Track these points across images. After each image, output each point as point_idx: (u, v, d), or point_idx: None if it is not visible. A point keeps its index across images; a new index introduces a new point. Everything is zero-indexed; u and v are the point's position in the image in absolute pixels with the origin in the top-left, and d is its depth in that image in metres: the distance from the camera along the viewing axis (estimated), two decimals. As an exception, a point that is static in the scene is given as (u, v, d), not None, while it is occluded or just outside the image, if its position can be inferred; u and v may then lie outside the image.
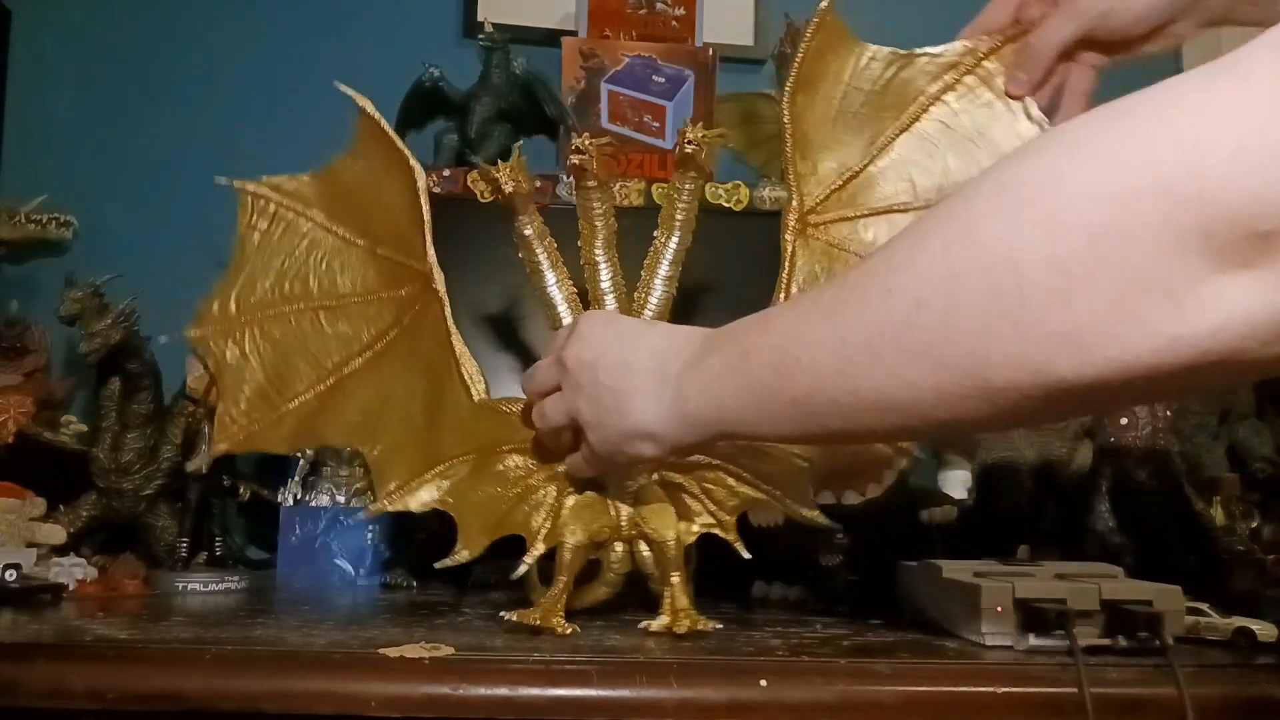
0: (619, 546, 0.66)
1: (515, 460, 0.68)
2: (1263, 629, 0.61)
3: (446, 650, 0.52)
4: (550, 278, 0.70)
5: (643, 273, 0.70)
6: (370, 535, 0.86)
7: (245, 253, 0.74)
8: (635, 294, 0.70)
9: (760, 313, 0.51)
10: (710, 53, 1.12)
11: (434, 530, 0.81)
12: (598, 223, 0.69)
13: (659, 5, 1.15)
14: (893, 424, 0.42)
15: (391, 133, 0.73)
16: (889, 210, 0.74)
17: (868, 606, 0.73)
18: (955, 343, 0.36)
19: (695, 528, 0.67)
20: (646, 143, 1.07)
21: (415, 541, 0.84)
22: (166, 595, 0.77)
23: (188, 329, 0.72)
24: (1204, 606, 0.64)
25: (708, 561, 0.69)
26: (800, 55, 0.72)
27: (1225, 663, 0.58)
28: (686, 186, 0.69)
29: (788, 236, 0.73)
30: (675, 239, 0.69)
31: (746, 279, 0.76)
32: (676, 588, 0.62)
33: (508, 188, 0.67)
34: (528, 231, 0.70)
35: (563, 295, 0.70)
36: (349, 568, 0.86)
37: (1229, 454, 0.84)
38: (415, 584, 0.85)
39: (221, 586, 0.79)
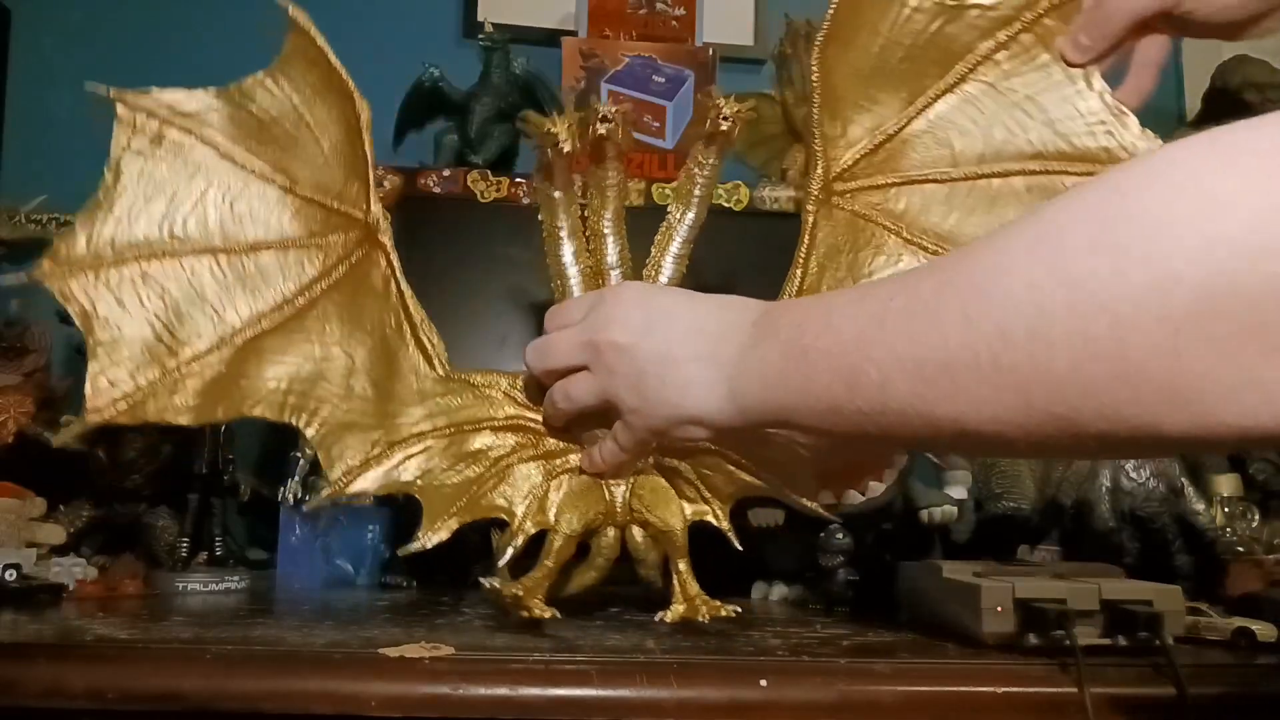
0: (610, 531, 0.64)
1: (492, 439, 0.64)
2: (1262, 629, 0.61)
3: (446, 650, 0.52)
4: (568, 248, 0.66)
5: (653, 249, 0.66)
6: (370, 535, 0.86)
7: (122, 181, 0.61)
8: (645, 271, 0.67)
9: (816, 301, 0.48)
10: (710, 53, 1.12)
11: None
12: (610, 193, 0.66)
13: (659, 5, 1.15)
14: (966, 446, 0.40)
15: (329, 51, 0.63)
16: (925, 180, 0.68)
17: (868, 607, 0.73)
18: (1045, 385, 0.33)
19: (688, 512, 0.65)
20: (647, 142, 1.07)
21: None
22: (166, 595, 0.77)
23: (37, 268, 0.59)
24: (1204, 606, 0.64)
25: (708, 561, 0.69)
26: (834, 3, 0.65)
27: (1225, 663, 0.58)
28: (710, 161, 0.66)
29: (810, 206, 0.68)
30: (691, 214, 0.66)
31: (747, 279, 0.75)
32: (685, 574, 0.62)
33: (566, 146, 0.63)
34: (557, 195, 0.66)
35: (578, 269, 0.66)
36: (349, 567, 0.85)
37: (1229, 454, 0.83)
38: (415, 584, 0.85)
39: (221, 586, 0.79)
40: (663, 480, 0.65)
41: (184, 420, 0.60)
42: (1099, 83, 0.64)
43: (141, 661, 0.50)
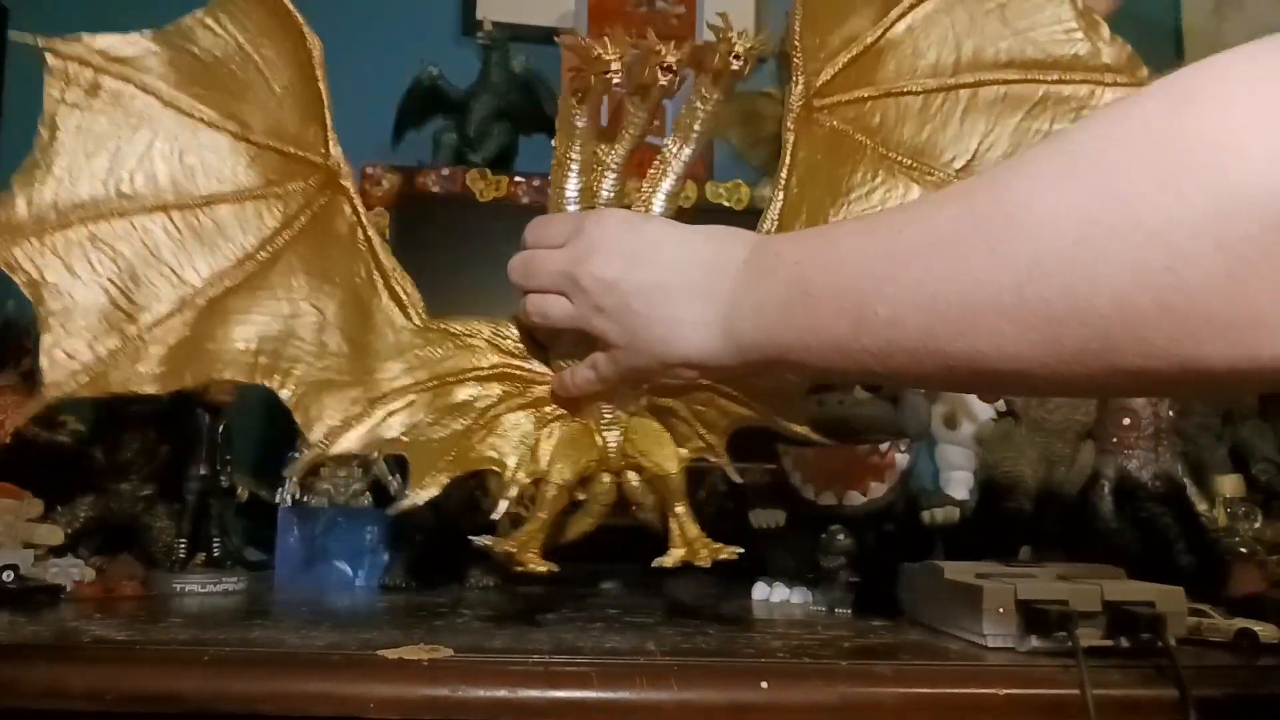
0: (605, 478, 0.62)
1: (478, 389, 0.62)
2: (1265, 630, 0.61)
3: (445, 652, 0.52)
4: (574, 183, 0.62)
5: (644, 183, 0.62)
6: (369, 536, 0.86)
7: (59, 138, 0.57)
8: (634, 206, 0.64)
9: (819, 233, 0.45)
10: (710, 51, 1.11)
11: (432, 530, 0.82)
12: (631, 132, 0.62)
13: (659, 3, 1.15)
14: (979, 385, 0.37)
15: None
16: (900, 93, 0.66)
17: (869, 608, 0.73)
18: (1081, 320, 0.30)
19: (686, 452, 0.64)
20: (647, 141, 1.07)
21: (414, 543, 0.84)
22: (164, 596, 0.76)
23: None
24: (1206, 607, 0.64)
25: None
26: None
27: (1227, 664, 0.57)
28: (715, 97, 0.62)
29: (789, 125, 0.66)
30: (689, 150, 0.62)
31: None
32: (684, 518, 0.60)
33: (616, 79, 0.58)
34: (580, 124, 0.61)
35: (578, 208, 0.62)
36: (347, 569, 0.85)
37: (1232, 455, 0.83)
38: (414, 585, 0.85)
39: (219, 588, 0.79)
40: (656, 423, 0.62)
41: (151, 389, 0.57)
42: None
43: (140, 663, 0.50)
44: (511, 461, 0.61)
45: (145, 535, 0.84)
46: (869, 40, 0.66)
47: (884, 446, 0.74)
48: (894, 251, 0.38)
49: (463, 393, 0.62)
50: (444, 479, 0.59)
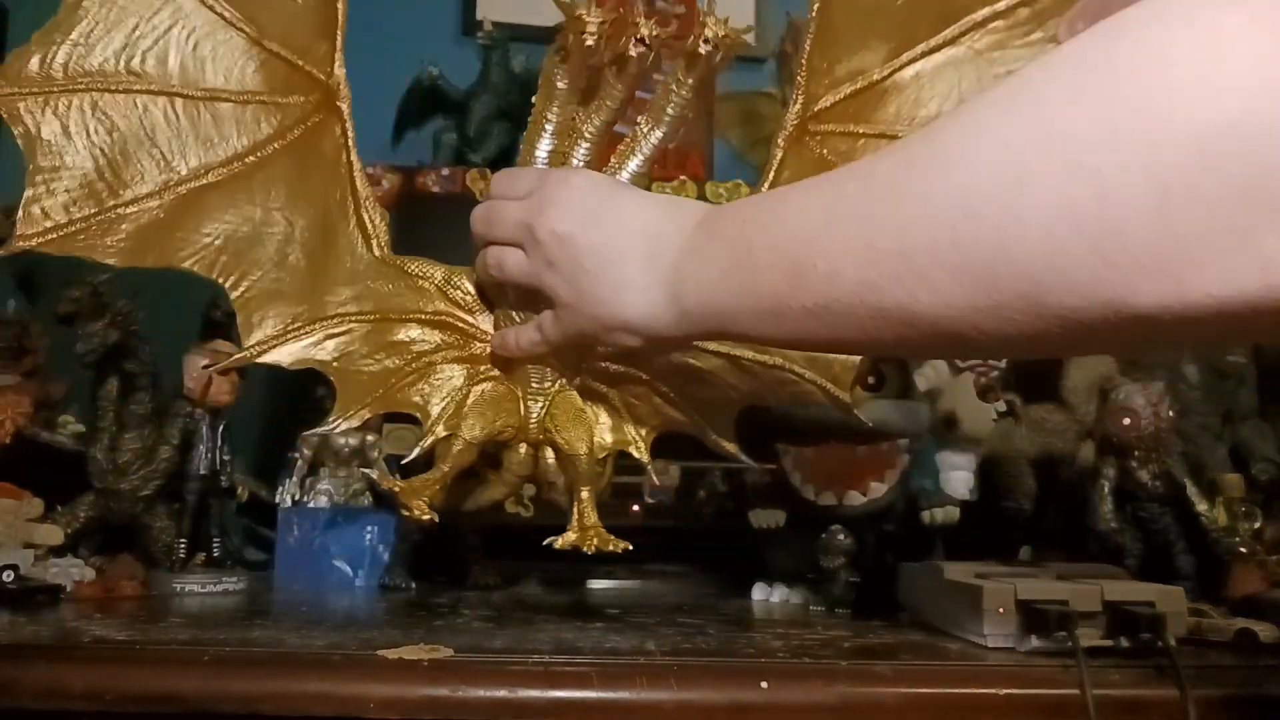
0: (522, 448, 0.62)
1: (417, 332, 0.62)
2: (1265, 630, 0.61)
3: (445, 652, 0.52)
4: (545, 145, 0.62)
5: (613, 158, 0.62)
6: (369, 536, 0.86)
7: (85, 5, 0.59)
8: None
9: (766, 195, 0.44)
10: (710, 51, 1.11)
11: (429, 530, 0.81)
12: (608, 105, 0.61)
13: (659, 3, 1.15)
14: (918, 342, 0.36)
15: None
16: (894, 136, 0.66)
17: (869, 608, 0.73)
18: (1011, 263, 0.30)
19: (609, 441, 0.64)
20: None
21: (413, 543, 0.84)
22: (164, 596, 0.76)
23: None
24: (1206, 607, 0.64)
25: (708, 561, 0.69)
26: None
27: (1228, 664, 0.57)
28: (689, 82, 0.61)
29: (780, 142, 0.66)
30: (659, 133, 0.62)
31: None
32: (586, 503, 0.59)
33: (589, 41, 0.58)
34: (561, 85, 0.61)
35: (550, 165, 0.62)
36: (347, 569, 0.85)
37: (1232, 455, 0.83)
38: (414, 585, 0.85)
39: (219, 587, 0.79)
40: (579, 400, 0.62)
41: (111, 260, 0.59)
42: None
43: (140, 663, 0.50)
44: (434, 411, 0.61)
45: (145, 535, 0.84)
46: (875, 77, 0.66)
47: (884, 446, 0.74)
48: (833, 204, 0.37)
49: (402, 332, 0.62)
50: (366, 414, 0.60)
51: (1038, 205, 0.29)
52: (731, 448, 0.65)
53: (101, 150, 0.59)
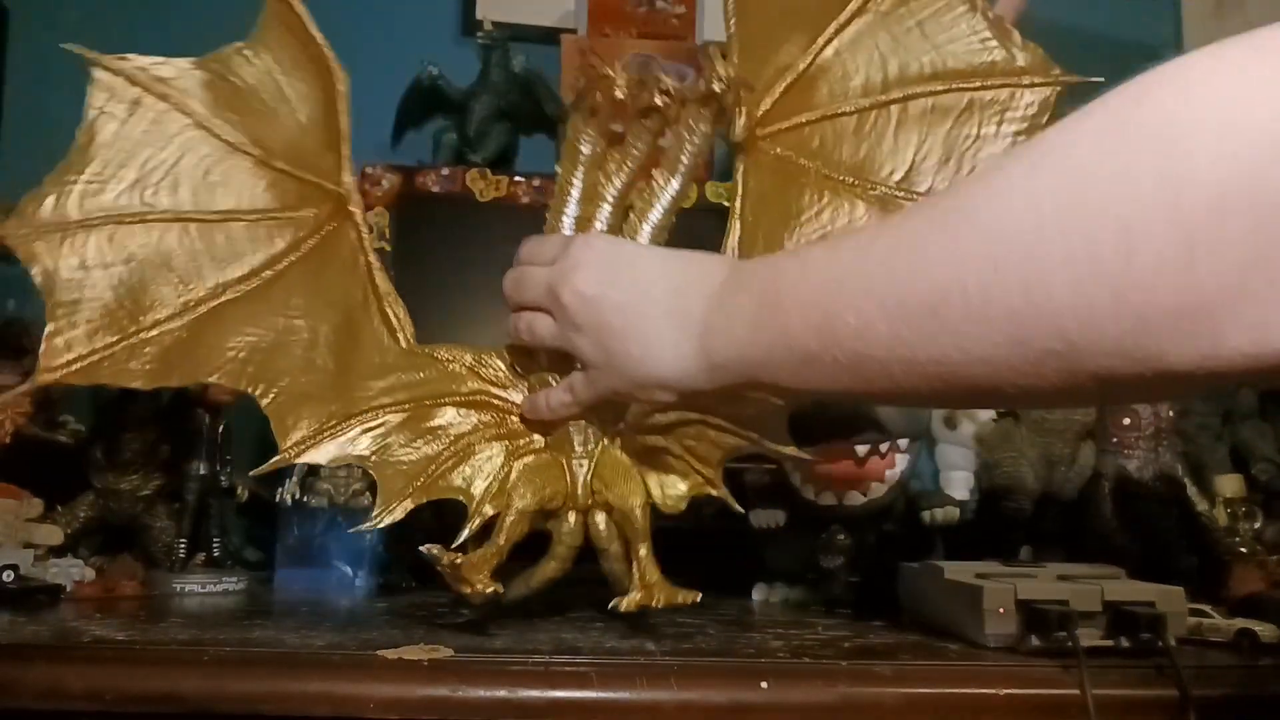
0: (572, 516, 0.61)
1: (454, 415, 0.62)
2: (1265, 630, 0.61)
3: (445, 652, 0.52)
4: (572, 208, 0.62)
5: (632, 214, 0.62)
6: (369, 536, 0.86)
7: (95, 144, 0.61)
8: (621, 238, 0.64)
9: (791, 253, 0.45)
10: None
11: (431, 530, 0.81)
12: (629, 164, 0.62)
13: (659, 3, 1.15)
14: (953, 395, 0.36)
15: (308, 20, 0.62)
16: (835, 115, 0.69)
17: (869, 608, 0.73)
18: (1041, 318, 0.30)
19: (684, 488, 0.64)
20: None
21: (413, 543, 0.84)
22: (164, 596, 0.76)
23: (3, 225, 0.59)
24: (1206, 608, 0.64)
25: (708, 561, 0.69)
26: None
27: (1228, 664, 0.57)
28: (701, 128, 0.61)
29: (737, 156, 0.68)
30: (676, 183, 0.62)
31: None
32: (645, 560, 0.58)
33: (619, 94, 0.59)
34: (585, 150, 0.62)
35: (577, 231, 0.63)
36: (348, 569, 0.85)
37: (1232, 455, 0.83)
38: (414, 585, 0.85)
39: (219, 587, 0.79)
40: (624, 457, 0.62)
41: (138, 384, 0.60)
42: (981, 2, 0.67)
43: (139, 663, 0.50)
44: (478, 492, 0.61)
45: (145, 535, 0.84)
46: (801, 67, 0.69)
47: (884, 446, 0.74)
48: (862, 261, 0.38)
49: (439, 417, 0.63)
50: (409, 504, 0.60)
51: (1065, 260, 0.29)
52: (791, 450, 0.66)
53: (120, 280, 0.60)
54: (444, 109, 1.07)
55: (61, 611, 0.66)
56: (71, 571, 0.73)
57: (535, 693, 0.48)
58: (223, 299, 0.62)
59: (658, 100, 0.59)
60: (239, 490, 0.89)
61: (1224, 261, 0.26)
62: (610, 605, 0.56)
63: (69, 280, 0.59)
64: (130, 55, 0.62)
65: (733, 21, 0.67)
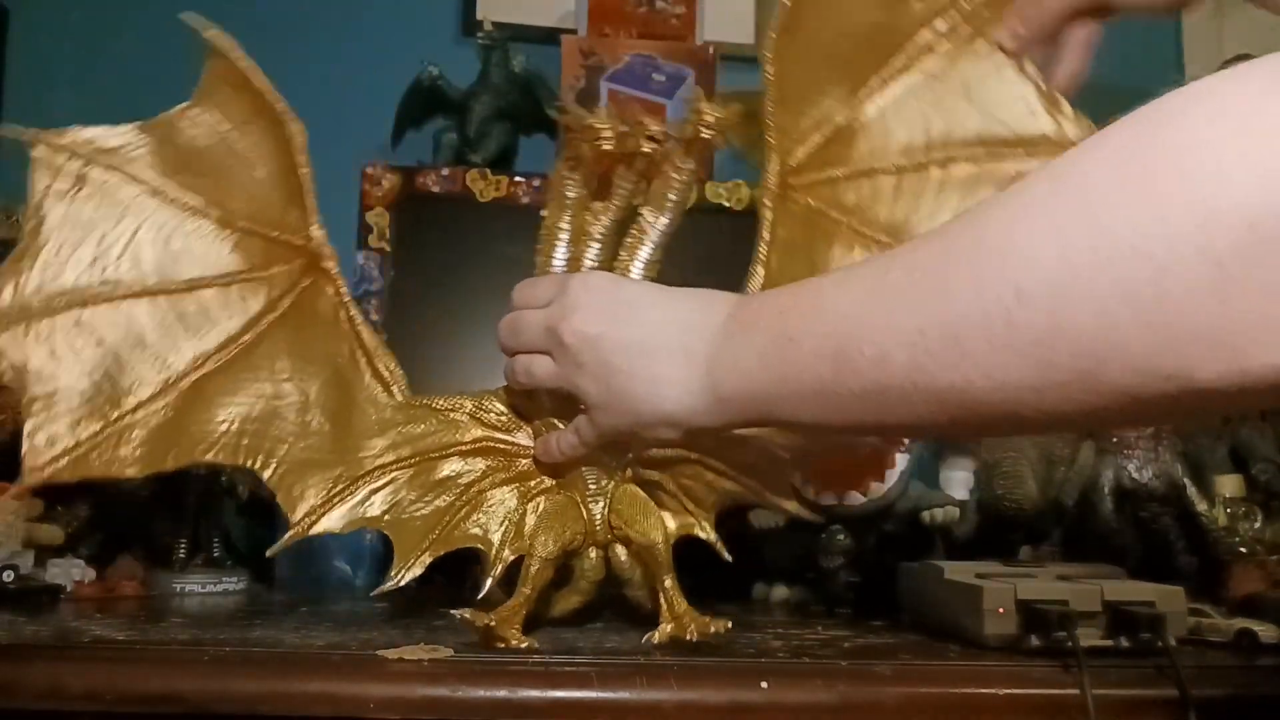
0: (593, 552, 0.61)
1: (461, 464, 0.62)
2: (1265, 630, 0.61)
3: (445, 652, 0.52)
4: (562, 250, 0.62)
5: (622, 252, 0.62)
6: (369, 536, 0.86)
7: (46, 227, 0.57)
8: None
9: (801, 285, 0.44)
10: (711, 51, 1.11)
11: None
12: (617, 203, 0.62)
13: (659, 3, 1.15)
14: (973, 423, 0.36)
15: (255, 75, 0.60)
16: (873, 172, 0.68)
17: (869, 608, 0.73)
18: (1066, 342, 0.30)
19: (672, 527, 0.64)
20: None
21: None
22: (164, 596, 0.76)
23: None
24: (1206, 608, 0.64)
25: (707, 562, 0.69)
26: None
27: (1228, 664, 0.57)
28: (688, 166, 0.62)
29: (767, 201, 0.67)
30: (664, 220, 0.62)
31: (742, 280, 0.75)
32: (672, 591, 0.59)
33: (607, 145, 0.59)
34: (570, 195, 0.62)
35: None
36: (348, 569, 0.85)
37: (1231, 455, 0.83)
38: (414, 585, 0.85)
39: (219, 588, 0.79)
40: (641, 492, 0.62)
41: (132, 472, 0.58)
42: (1033, 70, 0.65)
43: (139, 663, 0.50)
44: (496, 538, 0.61)
45: (145, 535, 0.84)
46: (839, 120, 0.68)
47: (884, 446, 0.74)
48: (877, 290, 0.38)
49: (446, 468, 0.62)
50: (428, 559, 0.60)
51: (1091, 288, 0.29)
52: (792, 506, 0.66)
53: (94, 365, 0.57)
54: (444, 109, 1.07)
55: (61, 611, 0.67)
56: (72, 571, 0.73)
57: (535, 693, 0.48)
58: (204, 370, 0.60)
59: (645, 147, 0.60)
60: (239, 490, 0.89)
61: (1255, 285, 0.26)
62: (644, 639, 0.56)
63: (40, 372, 0.56)
64: (70, 128, 0.59)
65: (770, 69, 0.66)
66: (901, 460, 0.74)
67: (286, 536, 0.60)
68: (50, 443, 0.56)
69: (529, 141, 1.09)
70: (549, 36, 1.19)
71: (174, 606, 0.71)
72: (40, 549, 0.74)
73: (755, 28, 1.28)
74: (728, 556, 0.66)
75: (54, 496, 0.80)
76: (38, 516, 0.76)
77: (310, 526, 0.60)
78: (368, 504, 0.60)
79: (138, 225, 0.59)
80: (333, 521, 0.60)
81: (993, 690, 0.51)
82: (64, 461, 0.56)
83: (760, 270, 0.67)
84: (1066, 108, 0.65)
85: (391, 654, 0.50)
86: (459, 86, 1.06)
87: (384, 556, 0.85)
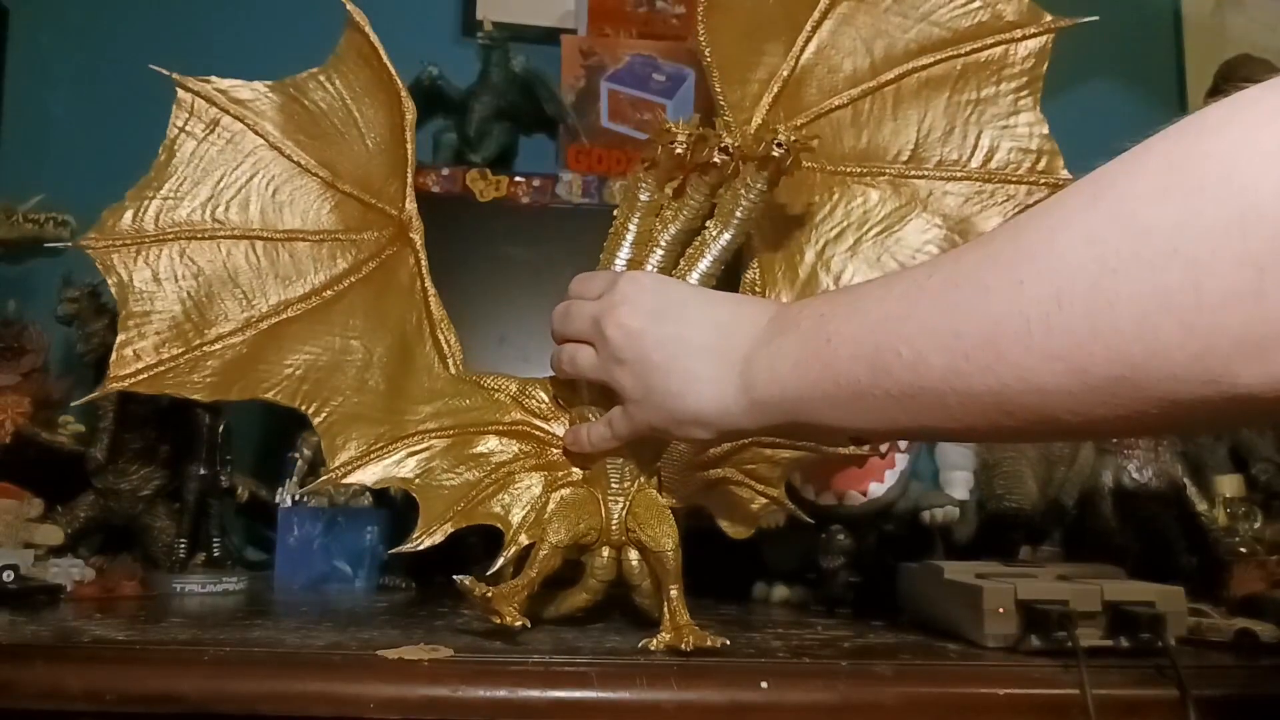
0: (605, 551, 0.62)
1: (496, 443, 0.63)
2: (1265, 630, 0.61)
3: (445, 652, 0.52)
4: (625, 251, 0.62)
5: (682, 262, 0.63)
6: (369, 536, 0.86)
7: (174, 161, 0.65)
8: None
9: (841, 291, 0.45)
10: (710, 51, 1.11)
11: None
12: (685, 213, 0.62)
13: (659, 3, 1.15)
14: (1011, 426, 0.36)
15: (384, 55, 0.65)
16: (829, 110, 0.69)
17: (869, 608, 0.73)
18: (1105, 346, 0.31)
19: (753, 511, 0.65)
20: (644, 140, 1.07)
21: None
22: (164, 596, 0.76)
23: (85, 236, 0.63)
24: (1206, 608, 0.64)
25: (707, 562, 0.69)
26: None
27: (1227, 664, 0.57)
28: (757, 185, 0.61)
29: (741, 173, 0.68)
30: (728, 236, 0.62)
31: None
32: (676, 601, 0.58)
33: (679, 149, 0.59)
34: (643, 197, 0.62)
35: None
36: (347, 569, 0.85)
37: (1231, 455, 0.83)
38: (414, 585, 0.85)
39: (219, 588, 0.79)
40: (659, 498, 0.62)
41: (199, 395, 0.62)
42: None
43: (139, 663, 0.50)
44: (515, 520, 0.62)
45: (145, 535, 0.85)
46: (785, 74, 0.69)
47: (884, 447, 0.74)
48: (916, 296, 0.38)
49: (482, 445, 0.64)
50: (449, 528, 0.61)
51: (1131, 292, 0.30)
52: (848, 450, 0.68)
53: (188, 294, 0.63)
54: (444, 109, 1.07)
55: (61, 611, 0.66)
56: (71, 571, 0.73)
57: (535, 693, 0.48)
58: (284, 316, 0.64)
59: (716, 158, 0.60)
60: (239, 490, 0.89)
61: None
62: (640, 644, 0.56)
63: (141, 292, 0.62)
64: (212, 77, 0.65)
65: (707, 50, 0.67)
66: (901, 460, 0.75)
67: (321, 479, 0.63)
68: (136, 357, 0.62)
69: (529, 141, 1.09)
70: (549, 36, 1.19)
71: (174, 606, 0.71)
72: (40, 549, 0.74)
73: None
74: (807, 519, 0.67)
75: (54, 497, 0.80)
76: (38, 516, 0.77)
77: (345, 475, 0.62)
78: (403, 465, 0.62)
79: (253, 174, 0.66)
80: (367, 474, 0.62)
81: (993, 690, 0.51)
82: (143, 376, 0.62)
83: (756, 240, 0.68)
84: None
85: (391, 654, 0.50)
86: (459, 86, 1.06)
87: (384, 557, 0.86)
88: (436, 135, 1.06)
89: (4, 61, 1.16)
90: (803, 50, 0.69)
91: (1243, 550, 0.73)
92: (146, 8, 1.21)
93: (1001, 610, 0.57)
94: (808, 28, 0.69)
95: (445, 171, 0.98)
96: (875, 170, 0.68)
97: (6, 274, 1.10)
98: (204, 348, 0.62)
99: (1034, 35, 0.66)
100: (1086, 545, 0.79)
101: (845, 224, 0.69)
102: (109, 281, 0.63)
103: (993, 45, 0.67)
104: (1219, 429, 0.74)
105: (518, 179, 0.99)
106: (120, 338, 0.62)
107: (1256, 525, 0.75)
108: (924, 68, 0.67)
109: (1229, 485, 0.77)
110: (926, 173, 0.67)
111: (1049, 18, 0.66)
